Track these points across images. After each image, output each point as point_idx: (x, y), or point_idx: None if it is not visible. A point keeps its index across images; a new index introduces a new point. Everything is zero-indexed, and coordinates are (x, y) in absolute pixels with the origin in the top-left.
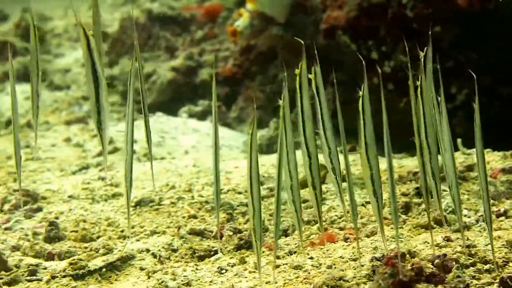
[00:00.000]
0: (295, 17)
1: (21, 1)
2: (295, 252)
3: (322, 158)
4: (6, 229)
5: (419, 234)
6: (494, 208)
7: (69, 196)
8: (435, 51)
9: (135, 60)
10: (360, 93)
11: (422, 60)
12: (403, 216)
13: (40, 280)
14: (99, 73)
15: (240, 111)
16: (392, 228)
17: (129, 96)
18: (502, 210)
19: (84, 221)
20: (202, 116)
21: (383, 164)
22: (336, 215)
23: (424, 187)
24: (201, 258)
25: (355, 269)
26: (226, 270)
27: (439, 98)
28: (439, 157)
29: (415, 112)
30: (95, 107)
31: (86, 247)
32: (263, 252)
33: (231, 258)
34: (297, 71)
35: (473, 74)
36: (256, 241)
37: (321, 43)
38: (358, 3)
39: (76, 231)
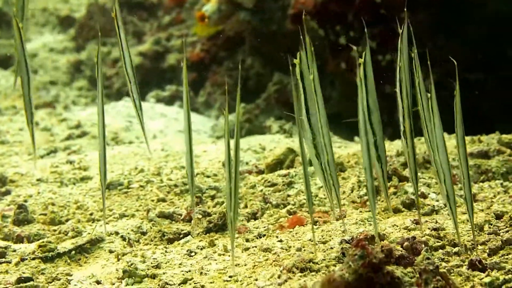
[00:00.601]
0: (263, 2)
1: None
2: (264, 235)
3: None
4: None
5: (388, 218)
6: (461, 192)
7: (38, 180)
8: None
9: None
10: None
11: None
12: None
13: (9, 262)
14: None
15: (207, 96)
16: (360, 212)
17: (99, 82)
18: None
19: (53, 204)
20: (169, 101)
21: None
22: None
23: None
24: (171, 241)
25: (324, 251)
26: (196, 253)
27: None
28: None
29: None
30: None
31: (55, 230)
32: None
33: (200, 241)
34: (295, 60)
35: (454, 61)
36: (230, 223)
37: (289, 28)
38: None
39: (45, 214)
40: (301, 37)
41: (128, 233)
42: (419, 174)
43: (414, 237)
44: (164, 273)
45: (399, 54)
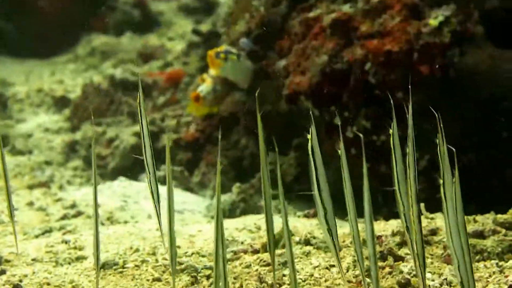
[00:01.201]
0: (258, 82)
1: None
2: None
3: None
4: None
5: None
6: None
7: (33, 259)
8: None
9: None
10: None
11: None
12: (368, 280)
13: None
14: None
15: (202, 176)
16: None
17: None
18: None
19: (48, 284)
20: (164, 180)
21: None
22: (300, 278)
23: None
24: None
25: None
26: None
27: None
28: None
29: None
30: None
31: None
32: None
33: None
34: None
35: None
36: None
37: (284, 109)
38: (321, 69)
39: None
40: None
41: None
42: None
43: None
44: None
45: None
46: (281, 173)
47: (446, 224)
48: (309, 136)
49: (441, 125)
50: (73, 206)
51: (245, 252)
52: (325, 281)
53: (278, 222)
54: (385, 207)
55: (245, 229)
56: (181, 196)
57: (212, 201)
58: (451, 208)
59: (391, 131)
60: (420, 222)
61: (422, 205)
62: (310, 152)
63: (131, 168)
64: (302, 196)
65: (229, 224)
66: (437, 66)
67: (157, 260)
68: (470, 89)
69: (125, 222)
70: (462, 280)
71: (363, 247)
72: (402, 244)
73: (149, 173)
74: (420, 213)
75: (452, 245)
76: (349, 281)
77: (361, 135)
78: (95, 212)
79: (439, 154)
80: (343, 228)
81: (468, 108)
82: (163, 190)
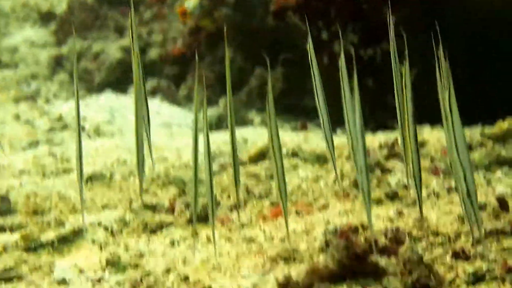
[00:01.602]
0: None
1: None
2: (247, 225)
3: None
4: None
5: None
6: (445, 184)
7: (20, 171)
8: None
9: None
10: None
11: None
12: (354, 191)
13: None
14: None
15: (189, 90)
16: (343, 203)
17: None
18: (453, 185)
19: (35, 195)
20: (151, 95)
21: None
22: (288, 190)
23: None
24: (154, 231)
25: (308, 242)
26: (179, 243)
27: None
28: None
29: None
30: None
31: (38, 221)
32: (216, 225)
33: (183, 231)
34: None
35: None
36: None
37: (271, 24)
38: None
39: (28, 205)
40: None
41: (111, 224)
42: (401, 164)
43: (398, 228)
44: (147, 263)
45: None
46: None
47: (450, 137)
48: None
49: (437, 42)
50: (59, 119)
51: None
52: (313, 192)
53: (265, 136)
54: (373, 120)
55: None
56: (168, 110)
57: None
58: (457, 120)
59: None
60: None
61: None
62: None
63: (117, 82)
64: (289, 109)
65: (216, 137)
66: None
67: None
68: (456, 3)
69: (112, 135)
70: (468, 190)
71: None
72: (389, 156)
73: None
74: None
75: (458, 158)
76: (336, 193)
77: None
78: (77, 124)
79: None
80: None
81: (455, 21)
82: (150, 103)
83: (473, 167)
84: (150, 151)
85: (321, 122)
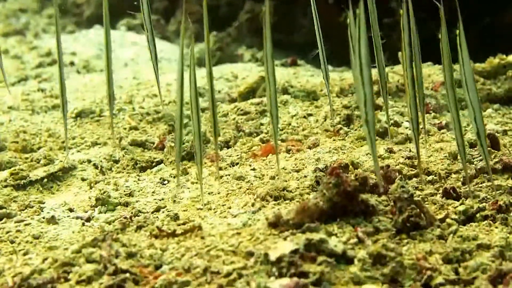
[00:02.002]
0: None
1: None
2: (237, 163)
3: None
4: None
5: (361, 146)
6: (435, 121)
7: (9, 107)
8: None
9: None
10: None
11: None
12: (345, 128)
13: None
14: None
15: (178, 24)
16: (334, 140)
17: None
18: (443, 122)
19: (25, 132)
20: (140, 29)
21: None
22: (278, 127)
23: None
24: (143, 169)
25: (298, 179)
26: (168, 181)
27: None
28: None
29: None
30: None
31: (27, 158)
32: (205, 163)
33: (173, 169)
34: None
35: None
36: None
37: None
38: None
39: (17, 142)
40: None
41: (101, 161)
42: (391, 102)
43: (388, 166)
44: (137, 201)
45: None
46: (258, 21)
47: (462, 76)
48: None
49: None
50: (48, 54)
51: (222, 101)
52: (303, 130)
53: (255, 71)
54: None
55: (222, 77)
56: (157, 45)
57: (188, 49)
58: (466, 58)
59: None
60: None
61: (399, 54)
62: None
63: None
64: (279, 44)
65: (205, 73)
66: None
67: (133, 109)
68: None
69: (101, 70)
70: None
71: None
72: (378, 93)
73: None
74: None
75: (468, 96)
76: (326, 130)
77: None
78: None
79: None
80: (321, 77)
81: None
82: (138, 39)
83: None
84: (159, 88)
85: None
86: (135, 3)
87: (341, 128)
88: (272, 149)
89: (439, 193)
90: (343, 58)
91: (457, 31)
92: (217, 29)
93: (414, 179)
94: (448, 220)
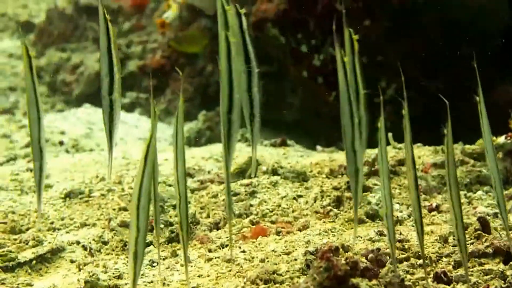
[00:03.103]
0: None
1: None
2: (227, 245)
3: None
4: None
5: (352, 228)
6: (426, 203)
7: None
8: (363, 45)
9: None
10: None
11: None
12: (335, 210)
13: None
14: None
15: (168, 103)
16: (324, 222)
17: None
18: (434, 204)
19: (13, 212)
20: (130, 108)
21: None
22: (268, 209)
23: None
24: None
25: (288, 263)
26: (158, 263)
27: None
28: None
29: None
30: None
31: (15, 239)
32: (195, 245)
33: (162, 251)
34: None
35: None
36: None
37: (250, 36)
38: None
39: (5, 223)
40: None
41: (90, 243)
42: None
43: (378, 249)
44: (126, 284)
45: None
46: None
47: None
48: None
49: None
50: None
51: (212, 181)
52: (293, 211)
53: (245, 152)
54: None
55: (212, 158)
56: (146, 124)
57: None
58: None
59: None
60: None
61: (390, 134)
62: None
63: (96, 95)
64: (268, 124)
65: (195, 153)
66: None
67: (123, 189)
68: (437, 15)
69: (91, 150)
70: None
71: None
72: (370, 174)
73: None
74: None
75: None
76: (316, 212)
77: None
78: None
79: None
80: (310, 158)
81: (436, 33)
82: (128, 117)
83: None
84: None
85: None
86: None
87: (331, 210)
88: (263, 231)
89: (430, 277)
90: (332, 138)
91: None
92: (207, 108)
93: (405, 262)
94: None
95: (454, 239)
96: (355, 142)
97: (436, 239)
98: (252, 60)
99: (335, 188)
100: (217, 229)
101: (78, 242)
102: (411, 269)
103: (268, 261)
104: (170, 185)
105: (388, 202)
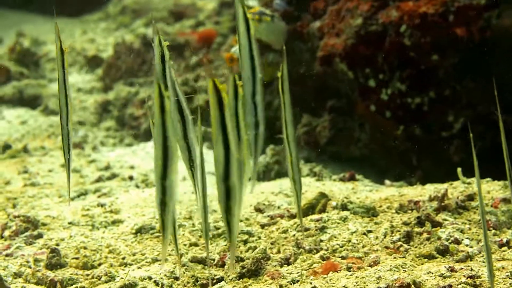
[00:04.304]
0: (292, 44)
1: (15, 25)
2: (297, 281)
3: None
4: (7, 255)
5: (422, 264)
6: (496, 238)
7: (69, 223)
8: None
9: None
10: None
11: None
12: (405, 245)
13: None
14: None
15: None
16: (394, 258)
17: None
18: (504, 240)
19: (85, 248)
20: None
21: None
22: (338, 244)
23: None
24: (204, 286)
25: None
26: None
27: None
28: None
29: None
30: None
31: (88, 275)
32: (266, 281)
33: (234, 286)
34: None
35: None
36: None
37: (318, 70)
38: (356, 31)
39: (77, 258)
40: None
41: (161, 278)
42: (451, 219)
43: (450, 285)
44: None
45: None
46: (315, 135)
47: None
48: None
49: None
50: (107, 168)
51: (282, 217)
52: (363, 247)
53: (314, 187)
54: (420, 169)
55: (281, 192)
56: (210, 156)
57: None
58: None
59: None
60: None
61: (458, 169)
62: None
63: None
64: (336, 159)
65: (265, 188)
66: (474, 28)
67: (193, 225)
68: (507, 50)
69: None
70: None
71: None
72: (439, 209)
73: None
74: None
75: None
76: (386, 247)
77: None
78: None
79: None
80: (379, 193)
81: (505, 70)
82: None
83: None
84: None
85: None
86: None
87: (401, 245)
88: (333, 266)
89: None
90: (400, 173)
91: None
92: (274, 143)
93: None
94: None
95: None
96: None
97: (507, 275)
98: (256, 67)
99: (405, 223)
100: (288, 265)
101: (150, 278)
102: None
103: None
104: (240, 220)
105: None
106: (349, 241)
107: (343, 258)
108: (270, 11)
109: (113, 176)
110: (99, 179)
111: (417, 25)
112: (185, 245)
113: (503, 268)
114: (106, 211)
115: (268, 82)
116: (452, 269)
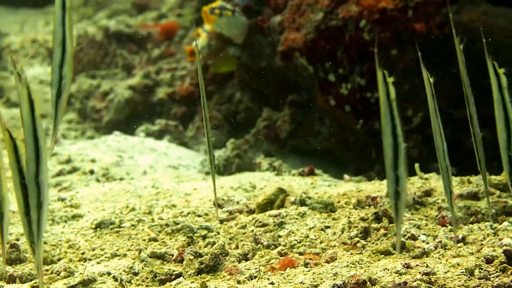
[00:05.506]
0: (253, 38)
1: None
2: (255, 277)
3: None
4: None
5: (379, 260)
6: (452, 235)
7: None
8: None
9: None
10: None
11: None
12: (362, 241)
13: None
14: None
15: (197, 130)
16: (351, 254)
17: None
18: (460, 236)
19: (45, 243)
20: (159, 135)
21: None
22: (296, 240)
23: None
24: (162, 282)
25: None
26: None
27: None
28: None
29: None
30: None
31: (47, 270)
32: (224, 276)
33: (192, 282)
34: None
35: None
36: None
37: (278, 65)
38: (316, 26)
39: None
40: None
41: (120, 274)
42: (408, 215)
43: (405, 282)
44: None
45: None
46: (275, 129)
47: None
48: None
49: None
50: (68, 161)
51: (241, 212)
52: (321, 242)
53: (273, 182)
54: (379, 163)
55: (240, 187)
56: (176, 151)
57: (206, 156)
58: None
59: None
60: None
61: (416, 165)
62: None
63: (126, 122)
64: (296, 153)
65: (224, 182)
66: (433, 24)
67: (153, 220)
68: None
69: (121, 178)
70: None
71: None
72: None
73: None
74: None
75: None
76: (344, 243)
77: None
78: None
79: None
80: (338, 188)
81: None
82: (158, 145)
83: None
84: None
85: None
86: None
87: (358, 241)
88: (291, 262)
89: None
90: (360, 167)
91: None
92: (235, 136)
93: None
94: None
95: (480, 272)
96: None
97: (462, 272)
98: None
99: (363, 219)
100: (246, 260)
101: (109, 273)
102: None
103: None
104: (199, 215)
105: None
106: (307, 236)
107: (300, 254)
108: (231, 5)
109: (74, 170)
110: (60, 173)
111: (377, 20)
112: (144, 240)
113: (458, 264)
114: (66, 206)
115: (229, 74)
116: (408, 266)
